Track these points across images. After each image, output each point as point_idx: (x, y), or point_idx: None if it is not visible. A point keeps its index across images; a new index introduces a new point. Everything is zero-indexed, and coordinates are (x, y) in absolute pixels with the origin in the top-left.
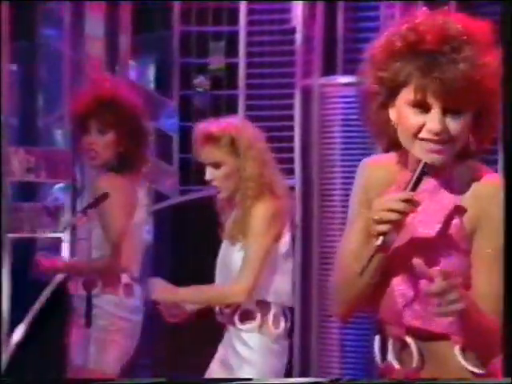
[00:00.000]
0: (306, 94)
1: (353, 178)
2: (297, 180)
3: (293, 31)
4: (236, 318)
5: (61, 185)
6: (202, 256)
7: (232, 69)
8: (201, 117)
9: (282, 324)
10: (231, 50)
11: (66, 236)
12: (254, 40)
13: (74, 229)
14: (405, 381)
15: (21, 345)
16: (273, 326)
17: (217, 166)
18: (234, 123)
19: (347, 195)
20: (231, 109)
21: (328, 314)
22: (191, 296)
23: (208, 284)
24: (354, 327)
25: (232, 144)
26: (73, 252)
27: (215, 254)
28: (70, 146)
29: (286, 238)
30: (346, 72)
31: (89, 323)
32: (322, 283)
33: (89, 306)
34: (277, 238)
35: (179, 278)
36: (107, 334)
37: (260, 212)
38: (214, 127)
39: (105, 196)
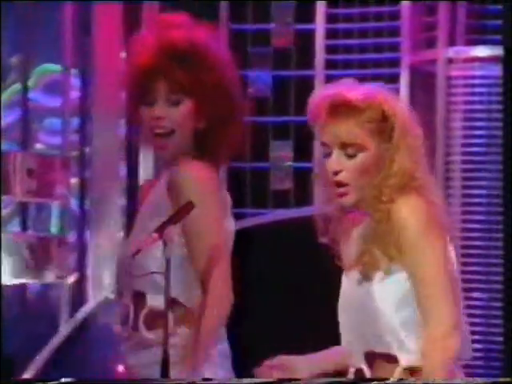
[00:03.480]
0: (417, 74)
1: (475, 187)
2: None
3: None
4: None
5: None
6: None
7: (305, 39)
8: (259, 109)
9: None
10: (304, 11)
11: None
12: None
13: (136, 255)
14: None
15: None
16: None
17: (353, 150)
18: (382, 92)
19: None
20: (303, 96)
21: None
22: None
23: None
24: None
25: (383, 121)
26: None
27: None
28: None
29: (451, 255)
30: (469, 43)
31: (167, 371)
32: None
33: (166, 346)
34: None
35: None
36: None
37: (415, 215)
38: (355, 94)
39: (189, 206)
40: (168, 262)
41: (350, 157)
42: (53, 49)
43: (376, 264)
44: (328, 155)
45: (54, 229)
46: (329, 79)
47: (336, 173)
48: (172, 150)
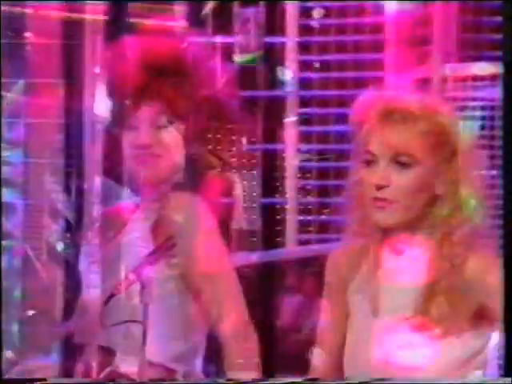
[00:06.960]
0: None
1: None
2: None
3: None
4: None
5: None
6: None
7: (273, 54)
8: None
9: None
10: (272, 23)
11: None
12: (310, 6)
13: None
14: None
15: None
16: None
17: (407, 160)
18: (444, 106)
19: None
20: (272, 121)
21: None
22: None
23: None
24: None
25: (444, 135)
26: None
27: None
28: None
29: None
30: (462, 60)
31: None
32: None
33: None
34: None
35: None
36: None
37: (497, 274)
38: (413, 101)
39: (170, 242)
40: (146, 308)
41: (403, 167)
42: None
43: (446, 321)
44: (370, 164)
45: None
46: (303, 101)
47: (380, 187)
48: (158, 177)
